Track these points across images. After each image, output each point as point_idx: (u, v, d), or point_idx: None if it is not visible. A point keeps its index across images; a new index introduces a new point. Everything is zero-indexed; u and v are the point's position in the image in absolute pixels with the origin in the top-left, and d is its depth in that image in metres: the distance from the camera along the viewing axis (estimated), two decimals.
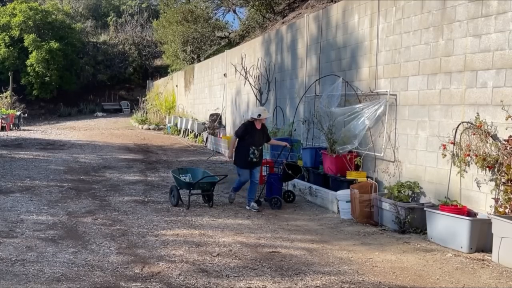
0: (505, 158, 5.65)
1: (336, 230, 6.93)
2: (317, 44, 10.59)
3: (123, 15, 42.11)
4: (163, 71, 36.31)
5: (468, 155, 6.22)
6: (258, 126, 8.11)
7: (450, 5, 6.67)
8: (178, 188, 8.32)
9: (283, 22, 18.68)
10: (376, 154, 8.16)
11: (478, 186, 6.16)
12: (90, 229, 6.66)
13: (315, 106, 10.29)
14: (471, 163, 6.24)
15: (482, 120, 6.08)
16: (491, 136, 5.96)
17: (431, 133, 6.99)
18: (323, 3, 16.61)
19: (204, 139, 18.10)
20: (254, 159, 8.01)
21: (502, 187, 5.74)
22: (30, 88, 34.41)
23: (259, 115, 8.11)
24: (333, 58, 9.91)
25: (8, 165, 12.28)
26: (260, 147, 8.11)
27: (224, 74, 18.02)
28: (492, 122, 5.98)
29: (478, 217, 5.93)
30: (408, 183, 7.11)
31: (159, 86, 32.59)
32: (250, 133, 8.03)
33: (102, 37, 41.81)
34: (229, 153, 8.35)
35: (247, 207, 8.10)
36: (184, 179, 8.50)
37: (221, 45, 28.06)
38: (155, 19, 36.53)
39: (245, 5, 24.82)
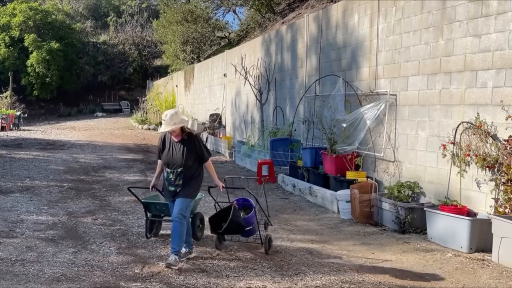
0: (505, 158, 5.65)
1: (336, 230, 6.93)
2: (317, 44, 10.59)
3: (123, 15, 42.11)
4: (163, 71, 36.32)
5: (468, 155, 6.22)
6: (176, 137, 5.38)
7: (450, 5, 6.67)
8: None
9: (283, 22, 18.68)
10: (376, 154, 8.16)
11: (478, 186, 6.16)
12: (90, 229, 6.66)
13: (315, 106, 10.29)
14: (471, 163, 6.24)
15: (482, 120, 6.08)
16: (491, 136, 5.96)
17: (431, 133, 6.99)
18: (323, 3, 16.60)
19: (204, 139, 18.10)
20: (170, 187, 5.36)
21: (502, 187, 5.74)
22: (31, 88, 34.44)
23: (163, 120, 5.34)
24: (333, 58, 9.91)
25: (8, 165, 12.27)
26: (180, 169, 5.26)
27: (224, 74, 18.02)
28: (492, 122, 5.98)
29: (478, 217, 5.93)
30: (408, 183, 7.12)
31: (159, 86, 32.59)
32: (164, 148, 5.46)
33: (102, 37, 41.81)
34: (153, 180, 5.74)
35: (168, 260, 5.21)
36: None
37: (221, 45, 28.06)
38: (155, 19, 36.54)
39: (245, 5, 24.81)
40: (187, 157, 5.29)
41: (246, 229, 5.56)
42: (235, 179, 6.95)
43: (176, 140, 5.38)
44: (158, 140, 5.62)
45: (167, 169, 5.38)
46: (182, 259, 5.30)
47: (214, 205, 6.05)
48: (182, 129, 5.36)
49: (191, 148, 5.33)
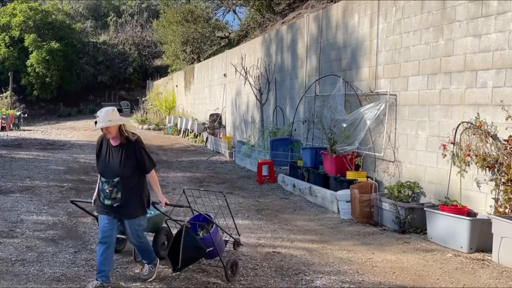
0: (505, 158, 5.65)
1: (336, 230, 6.93)
2: (317, 44, 10.59)
3: (123, 15, 42.16)
4: (163, 71, 36.34)
5: (468, 155, 6.22)
6: (114, 141, 4.58)
7: (450, 5, 6.67)
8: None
9: (283, 22, 18.68)
10: (376, 154, 8.16)
11: (478, 186, 6.16)
12: (90, 229, 6.66)
13: (315, 106, 10.29)
14: (471, 163, 6.24)
15: (482, 120, 6.08)
16: (491, 136, 5.97)
17: (431, 133, 6.99)
18: (323, 3, 16.61)
19: (204, 139, 18.10)
20: (106, 201, 4.54)
21: (502, 187, 5.74)
22: (31, 88, 34.46)
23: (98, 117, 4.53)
24: (333, 58, 9.91)
25: (8, 165, 12.28)
26: (117, 180, 4.48)
27: (224, 74, 18.03)
28: (492, 122, 5.99)
29: (478, 217, 5.93)
30: (408, 183, 7.12)
31: (159, 86, 32.61)
32: (100, 154, 4.66)
33: (102, 37, 41.85)
34: (95, 193, 4.74)
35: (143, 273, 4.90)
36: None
37: (221, 45, 28.08)
38: (155, 19, 36.58)
39: (245, 5, 24.83)
40: (125, 165, 4.49)
41: (207, 250, 4.77)
42: (195, 191, 6.21)
43: (113, 145, 4.56)
44: (97, 142, 4.72)
45: (102, 178, 4.58)
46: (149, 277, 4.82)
47: (166, 221, 5.24)
48: (121, 132, 4.55)
49: (130, 154, 4.53)
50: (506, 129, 5.74)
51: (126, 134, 4.56)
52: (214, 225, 4.90)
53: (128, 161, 4.50)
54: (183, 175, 11.51)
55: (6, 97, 31.16)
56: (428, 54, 7.05)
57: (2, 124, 23.67)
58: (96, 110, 36.06)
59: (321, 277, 4.95)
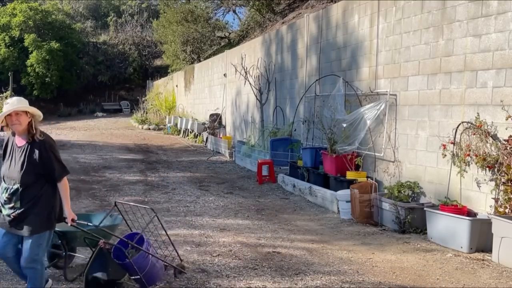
0: (505, 158, 5.65)
1: (336, 230, 6.93)
2: (317, 44, 10.60)
3: (123, 15, 42.12)
4: (163, 71, 36.32)
5: (468, 155, 6.22)
6: (19, 141, 3.96)
7: (450, 5, 6.68)
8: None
9: (283, 22, 18.68)
10: (376, 154, 8.16)
11: (478, 186, 6.16)
12: None
13: (315, 106, 10.29)
14: (471, 163, 6.24)
15: (482, 120, 6.08)
16: (491, 136, 5.97)
17: (431, 133, 6.99)
18: (323, 3, 16.61)
19: (204, 139, 18.10)
20: (4, 210, 3.88)
21: (502, 187, 5.74)
22: (31, 88, 34.42)
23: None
24: (333, 58, 9.91)
25: None
26: (16, 187, 3.81)
27: (224, 74, 18.03)
28: (492, 122, 5.99)
29: (478, 217, 5.93)
30: (408, 183, 7.12)
31: (159, 86, 32.60)
32: (5, 155, 4.00)
33: (102, 37, 41.84)
34: None
35: None
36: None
37: (221, 45, 28.08)
38: (155, 19, 36.55)
39: (245, 5, 24.83)
40: (27, 170, 3.77)
41: (132, 278, 4.22)
42: (126, 205, 5.72)
43: (18, 145, 3.89)
44: (3, 144, 4.07)
45: (2, 184, 3.91)
46: None
47: (84, 240, 4.61)
48: (30, 129, 3.89)
49: (35, 159, 3.80)
50: (506, 129, 5.74)
51: (34, 132, 3.88)
52: (142, 250, 4.25)
53: (31, 167, 3.79)
54: (183, 175, 11.51)
55: (6, 97, 31.13)
56: (428, 54, 7.05)
57: (2, 124, 23.64)
58: (96, 110, 36.16)
59: (321, 277, 4.95)
